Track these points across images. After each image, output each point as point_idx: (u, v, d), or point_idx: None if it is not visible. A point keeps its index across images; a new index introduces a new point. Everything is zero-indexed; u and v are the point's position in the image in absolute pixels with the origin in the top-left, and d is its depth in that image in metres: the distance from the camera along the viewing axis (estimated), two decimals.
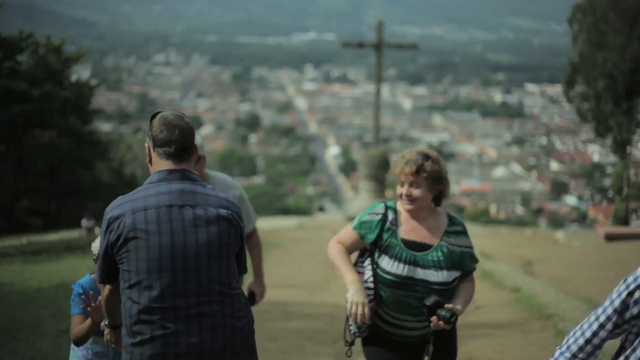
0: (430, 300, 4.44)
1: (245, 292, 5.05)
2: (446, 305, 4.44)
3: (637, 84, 28.51)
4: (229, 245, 3.78)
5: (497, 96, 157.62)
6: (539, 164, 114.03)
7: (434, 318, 4.42)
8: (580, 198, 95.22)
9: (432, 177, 4.59)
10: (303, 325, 9.39)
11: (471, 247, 4.74)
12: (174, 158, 3.84)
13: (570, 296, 9.80)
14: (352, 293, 4.52)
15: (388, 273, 4.55)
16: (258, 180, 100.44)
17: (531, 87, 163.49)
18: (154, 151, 3.89)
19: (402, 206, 4.68)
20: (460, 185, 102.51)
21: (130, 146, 48.67)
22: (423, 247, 4.61)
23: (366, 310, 4.47)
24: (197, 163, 5.10)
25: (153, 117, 3.95)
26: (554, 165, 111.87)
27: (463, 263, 4.67)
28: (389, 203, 4.75)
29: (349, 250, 4.73)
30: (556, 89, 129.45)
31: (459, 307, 4.52)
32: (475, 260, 4.76)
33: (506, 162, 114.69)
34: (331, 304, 10.78)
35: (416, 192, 4.59)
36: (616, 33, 28.06)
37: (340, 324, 9.37)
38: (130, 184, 37.98)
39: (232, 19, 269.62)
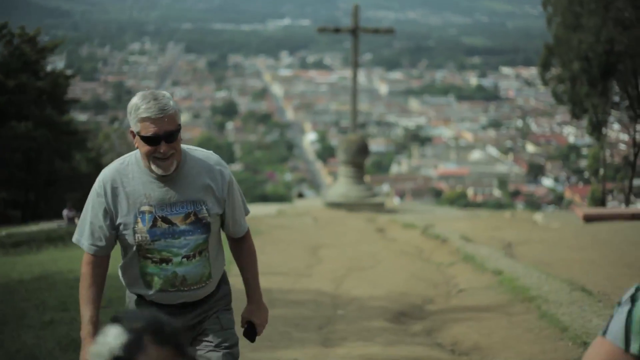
0: None
1: (241, 324, 4.36)
2: None
3: (612, 66, 28.65)
4: None
5: (473, 80, 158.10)
6: (515, 147, 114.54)
7: None
8: (556, 180, 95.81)
9: None
10: (288, 312, 9.42)
11: None
12: None
13: (552, 278, 9.87)
14: None
15: None
16: (236, 167, 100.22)
17: (506, 70, 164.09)
18: None
19: None
20: (437, 169, 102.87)
21: (107, 136, 48.48)
22: None
23: None
24: (173, 140, 3.83)
25: None
26: (530, 148, 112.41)
27: None
28: None
29: None
30: (531, 72, 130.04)
31: None
32: None
33: (482, 145, 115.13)
34: (315, 290, 10.82)
35: None
36: (591, 15, 28.14)
37: (326, 310, 9.43)
38: None
39: (206, 6, 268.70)
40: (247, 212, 4.37)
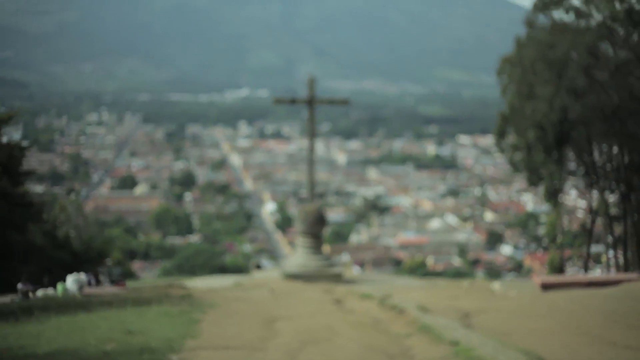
0: None
1: None
2: None
3: (567, 134, 28.92)
4: None
5: (430, 148, 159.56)
6: (474, 215, 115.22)
7: None
8: (515, 247, 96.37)
9: None
10: None
11: None
12: None
13: (508, 348, 9.75)
14: None
15: None
16: (194, 238, 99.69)
17: (463, 138, 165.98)
18: None
19: None
20: (397, 238, 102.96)
21: (63, 207, 47.97)
22: None
23: None
24: None
25: None
26: (489, 216, 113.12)
27: None
28: None
29: None
30: (488, 140, 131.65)
31: None
32: None
33: (441, 213, 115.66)
34: None
35: None
36: (544, 84, 28.47)
37: None
38: (63, 246, 37.32)
39: (164, 78, 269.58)
40: None
